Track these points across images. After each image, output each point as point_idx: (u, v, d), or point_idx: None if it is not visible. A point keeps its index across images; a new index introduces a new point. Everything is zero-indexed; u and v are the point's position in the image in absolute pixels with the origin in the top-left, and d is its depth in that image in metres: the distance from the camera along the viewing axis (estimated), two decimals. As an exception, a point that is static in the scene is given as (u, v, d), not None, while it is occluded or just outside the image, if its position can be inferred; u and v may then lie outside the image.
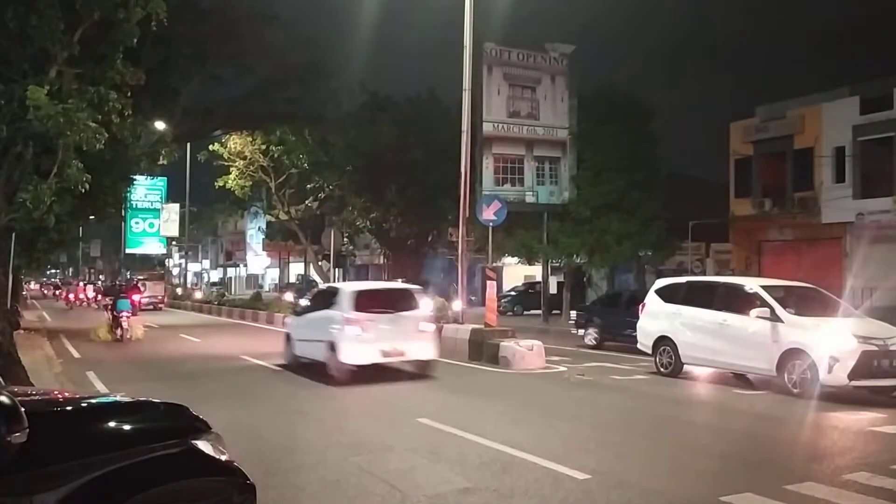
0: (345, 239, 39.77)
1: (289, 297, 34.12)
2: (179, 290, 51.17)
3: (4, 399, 2.92)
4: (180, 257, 69.77)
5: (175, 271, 71.81)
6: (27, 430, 2.90)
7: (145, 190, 52.41)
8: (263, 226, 51.58)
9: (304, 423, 9.00)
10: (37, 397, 4.22)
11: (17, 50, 12.30)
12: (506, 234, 27.83)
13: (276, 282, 60.02)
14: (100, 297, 42.52)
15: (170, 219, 54.47)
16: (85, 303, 47.03)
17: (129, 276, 52.64)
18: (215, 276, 76.00)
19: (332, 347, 12.56)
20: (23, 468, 2.91)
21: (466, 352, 15.30)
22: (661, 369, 13.15)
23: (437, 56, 25.69)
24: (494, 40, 27.76)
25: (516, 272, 38.87)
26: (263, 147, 35.83)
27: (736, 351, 11.78)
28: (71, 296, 51.58)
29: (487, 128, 27.48)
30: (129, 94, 12.83)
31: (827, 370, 10.30)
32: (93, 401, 4.19)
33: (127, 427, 3.48)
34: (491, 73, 27.72)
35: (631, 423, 8.96)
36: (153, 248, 58.90)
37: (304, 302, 16.53)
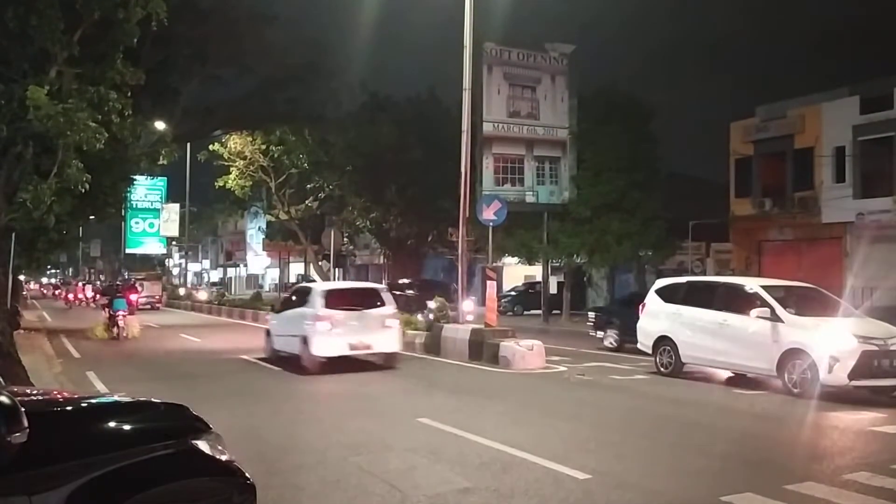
0: (345, 239, 39.78)
1: None
2: (182, 290, 51.09)
3: (4, 399, 2.92)
4: (180, 257, 69.80)
5: (175, 271, 71.83)
6: (27, 430, 2.90)
7: (145, 190, 52.40)
8: (263, 226, 51.58)
9: (304, 423, 9.00)
10: (37, 397, 4.21)
11: (17, 50, 12.30)
12: (506, 234, 27.83)
13: (277, 282, 60.00)
14: (98, 297, 42.68)
15: (170, 219, 54.47)
16: (84, 302, 47.27)
17: (126, 276, 52.75)
18: (215, 276, 75.99)
19: (305, 341, 13.79)
20: (23, 468, 2.91)
21: (466, 352, 15.31)
22: (662, 369, 13.15)
23: (437, 56, 25.73)
24: (494, 40, 27.77)
25: (516, 272, 38.86)
26: (263, 147, 35.83)
27: (736, 351, 11.78)
28: (70, 296, 51.86)
29: (487, 128, 27.49)
30: (129, 94, 12.84)
31: (827, 370, 10.30)
32: (93, 401, 4.18)
33: (127, 427, 3.48)
34: (491, 73, 27.73)
35: (631, 423, 8.96)
36: (153, 248, 58.91)
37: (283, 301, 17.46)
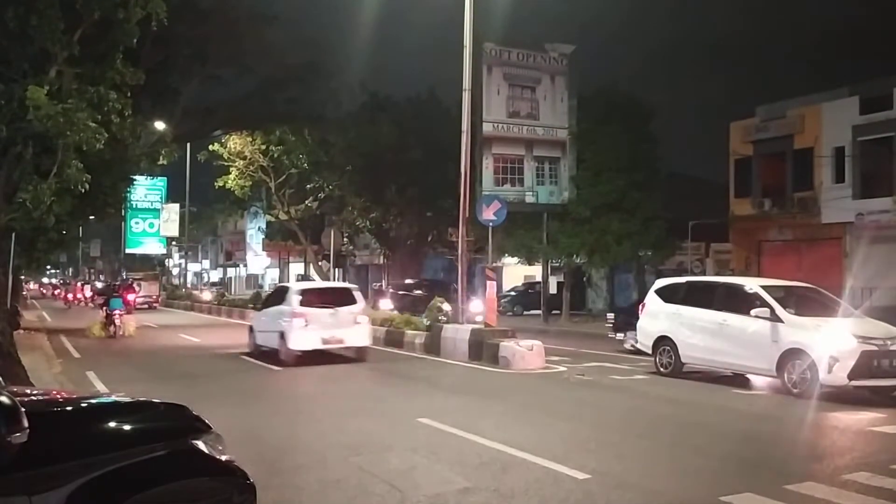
0: (345, 239, 39.80)
1: None
2: (184, 290, 51.01)
3: (4, 399, 2.92)
4: (180, 257, 69.77)
5: (175, 271, 71.78)
6: (27, 430, 2.90)
7: (145, 190, 52.41)
8: (263, 226, 51.56)
9: (304, 423, 9.00)
10: (37, 397, 4.21)
11: (17, 50, 12.30)
12: (506, 234, 27.85)
13: (276, 282, 59.96)
14: (96, 297, 42.89)
15: (170, 219, 54.47)
16: (83, 302, 47.47)
17: (125, 277, 52.97)
18: (215, 276, 75.96)
19: (283, 336, 15.03)
20: (23, 468, 2.91)
21: (466, 352, 15.31)
22: (661, 369, 13.14)
23: (437, 56, 25.72)
24: (494, 40, 27.78)
25: (516, 272, 38.87)
26: (263, 147, 35.84)
27: (736, 351, 11.78)
28: (70, 296, 52.10)
29: (487, 128, 27.50)
30: (129, 94, 12.84)
31: (827, 370, 10.29)
32: (93, 401, 4.18)
33: (127, 427, 3.48)
34: (491, 73, 27.74)
35: (631, 423, 8.96)
36: (153, 248, 58.90)
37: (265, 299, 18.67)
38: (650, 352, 13.58)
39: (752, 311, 11.46)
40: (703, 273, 28.16)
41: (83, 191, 12.51)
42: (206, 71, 22.56)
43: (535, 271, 34.83)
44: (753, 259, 28.67)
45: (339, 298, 15.71)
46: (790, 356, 10.82)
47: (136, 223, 55.62)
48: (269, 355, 15.60)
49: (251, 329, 17.47)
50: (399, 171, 33.39)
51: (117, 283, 45.34)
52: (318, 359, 15.06)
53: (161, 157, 21.88)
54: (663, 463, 6.98)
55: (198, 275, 76.93)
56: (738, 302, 12.03)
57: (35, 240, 19.13)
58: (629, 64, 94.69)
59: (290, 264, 57.69)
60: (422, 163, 32.43)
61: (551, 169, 28.84)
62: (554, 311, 30.10)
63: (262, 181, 37.95)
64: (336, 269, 42.41)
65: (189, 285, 61.69)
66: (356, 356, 15.50)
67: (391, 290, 30.14)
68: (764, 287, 12.04)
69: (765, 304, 11.42)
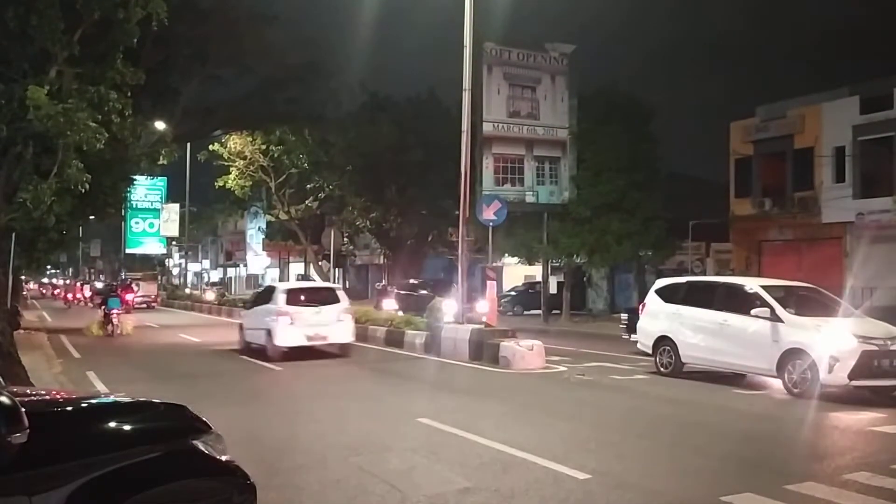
0: (345, 239, 39.77)
1: None
2: (188, 290, 50.96)
3: (4, 399, 2.92)
4: (180, 257, 69.73)
5: (175, 271, 71.73)
6: (27, 430, 2.90)
7: (145, 190, 52.39)
8: (263, 226, 51.54)
9: (303, 423, 8.99)
10: (37, 397, 4.21)
11: (17, 50, 12.31)
12: (506, 234, 27.84)
13: (277, 282, 59.88)
14: (95, 296, 43.11)
15: (170, 219, 54.45)
16: (82, 302, 47.63)
17: (124, 277, 53.16)
18: (215, 276, 75.93)
19: (269, 334, 15.74)
20: (23, 468, 2.91)
21: (467, 352, 15.31)
22: (662, 369, 13.14)
23: (437, 56, 25.72)
24: (494, 40, 27.75)
25: (516, 272, 38.87)
26: (263, 147, 35.83)
27: (736, 351, 11.78)
28: (69, 295, 52.28)
29: (487, 128, 27.48)
30: (129, 94, 12.84)
31: (827, 370, 10.29)
32: (93, 401, 4.19)
33: (127, 427, 3.48)
34: (491, 73, 27.72)
35: (631, 423, 8.95)
36: (153, 248, 58.89)
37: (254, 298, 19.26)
38: (650, 352, 13.58)
39: (753, 311, 11.46)
40: (704, 273, 28.16)
41: (83, 191, 12.51)
42: (206, 71, 22.55)
43: (535, 271, 34.81)
44: (754, 259, 28.67)
45: (323, 298, 16.43)
46: (790, 356, 10.82)
47: (136, 223, 55.61)
48: (270, 355, 15.75)
49: (241, 327, 18.28)
50: (399, 171, 33.38)
51: (116, 283, 45.47)
52: (318, 359, 15.15)
53: (161, 157, 21.88)
54: (663, 463, 6.98)
55: (198, 275, 76.90)
56: (739, 302, 12.03)
57: (35, 240, 19.15)
58: (629, 64, 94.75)
59: (291, 264, 57.66)
60: (422, 163, 32.41)
61: (551, 169, 28.83)
62: (554, 311, 30.10)
63: (262, 181, 37.94)
64: (336, 269, 42.43)
65: (190, 285, 61.65)
66: (340, 352, 16.05)
67: (396, 291, 29.95)
68: (764, 287, 12.04)
69: (765, 303, 11.42)
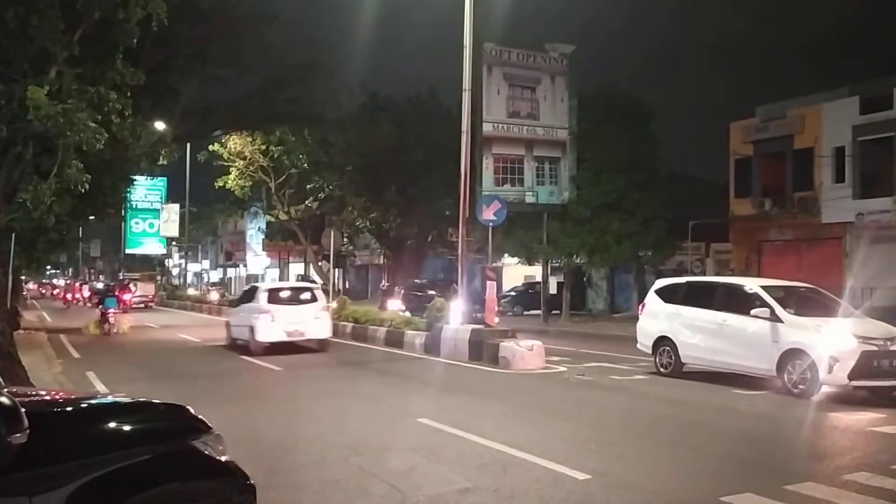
0: (345, 239, 39.73)
1: None
2: (191, 291, 50.90)
3: (4, 399, 2.92)
4: (180, 257, 69.71)
5: (175, 271, 71.70)
6: (27, 430, 2.90)
7: (145, 190, 52.43)
8: (263, 226, 51.53)
9: (303, 423, 8.99)
10: (37, 397, 4.21)
11: (17, 50, 12.31)
12: (506, 234, 27.84)
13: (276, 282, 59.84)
14: (93, 296, 43.27)
15: (170, 219, 54.45)
16: (81, 302, 47.81)
17: (122, 277, 53.28)
18: (215, 276, 75.90)
19: (252, 330, 16.82)
20: (23, 468, 2.91)
21: (466, 352, 15.31)
22: (661, 369, 13.14)
23: (437, 56, 25.71)
24: (494, 40, 27.76)
25: (516, 272, 38.86)
26: (263, 147, 35.83)
27: (736, 351, 11.77)
28: (68, 296, 52.50)
29: (487, 128, 27.49)
30: (129, 94, 12.85)
31: (827, 370, 10.29)
32: (93, 401, 4.18)
33: (127, 427, 3.48)
34: (491, 73, 27.73)
35: (631, 423, 8.96)
36: (153, 248, 58.90)
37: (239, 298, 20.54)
38: (650, 352, 13.58)
39: (752, 312, 11.45)
40: (703, 273, 28.17)
41: (83, 191, 12.51)
42: (206, 71, 22.57)
43: (535, 271, 34.81)
44: (753, 259, 28.68)
45: (301, 296, 17.69)
46: (790, 356, 10.81)
47: (136, 223, 55.63)
48: (271, 354, 16.10)
49: (227, 324, 19.26)
50: (399, 171, 33.38)
51: (112, 283, 45.68)
52: (318, 359, 15.23)
53: (161, 157, 21.89)
54: (663, 463, 6.97)
55: (198, 275, 76.89)
56: (738, 302, 12.02)
57: (35, 240, 19.16)
58: (629, 64, 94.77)
59: (290, 264, 57.66)
60: (422, 163, 32.42)
61: (551, 169, 28.83)
62: (554, 312, 30.09)
63: (262, 181, 37.94)
64: (336, 270, 42.36)
65: (191, 286, 61.63)
66: (318, 347, 17.16)
67: (403, 291, 29.81)
68: (764, 287, 12.04)
69: (765, 304, 11.41)
